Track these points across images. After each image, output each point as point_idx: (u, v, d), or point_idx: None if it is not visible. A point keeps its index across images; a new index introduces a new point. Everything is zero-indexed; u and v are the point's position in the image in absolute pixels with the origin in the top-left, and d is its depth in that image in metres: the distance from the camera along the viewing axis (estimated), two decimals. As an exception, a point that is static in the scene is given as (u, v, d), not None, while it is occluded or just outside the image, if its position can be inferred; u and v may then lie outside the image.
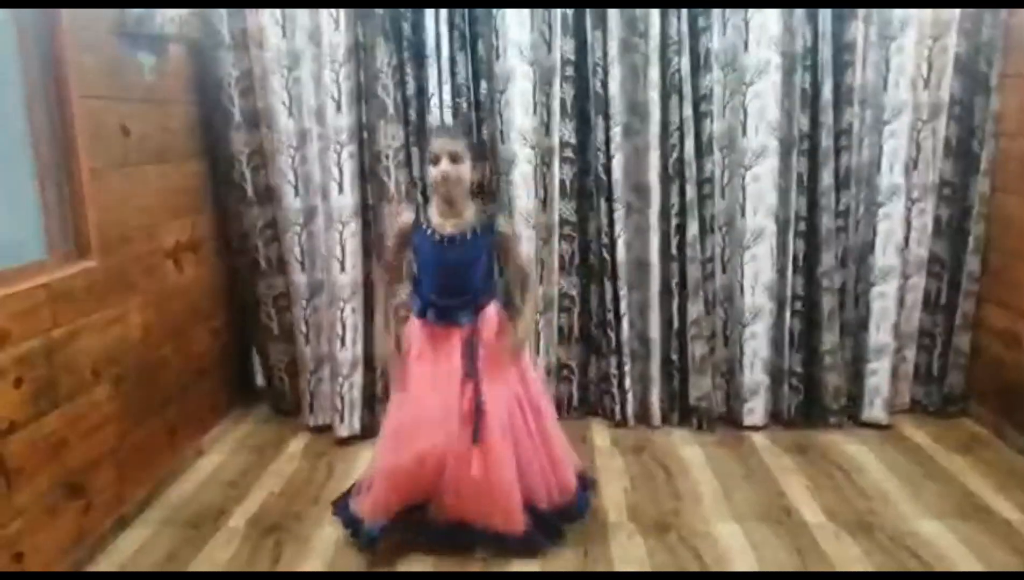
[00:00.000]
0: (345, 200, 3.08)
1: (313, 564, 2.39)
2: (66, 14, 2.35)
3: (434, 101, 3.06)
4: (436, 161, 2.32)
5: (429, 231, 2.39)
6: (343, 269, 3.12)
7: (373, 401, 3.27)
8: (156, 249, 2.87)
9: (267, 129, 3.15)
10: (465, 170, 2.34)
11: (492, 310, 2.48)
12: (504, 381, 2.42)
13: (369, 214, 3.16)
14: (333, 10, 2.95)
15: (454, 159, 2.31)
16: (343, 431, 3.20)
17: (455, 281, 2.40)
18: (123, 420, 2.60)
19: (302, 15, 3.01)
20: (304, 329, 3.32)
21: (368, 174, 3.12)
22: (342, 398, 3.19)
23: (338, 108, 3.01)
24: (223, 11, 3.02)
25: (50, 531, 2.22)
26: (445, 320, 2.40)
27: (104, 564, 2.40)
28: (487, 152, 2.69)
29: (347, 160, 3.05)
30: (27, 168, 2.35)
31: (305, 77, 3.06)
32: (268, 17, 3.04)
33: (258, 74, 3.09)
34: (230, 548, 2.48)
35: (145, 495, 2.73)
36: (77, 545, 2.34)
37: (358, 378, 3.21)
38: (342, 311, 3.15)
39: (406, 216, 2.48)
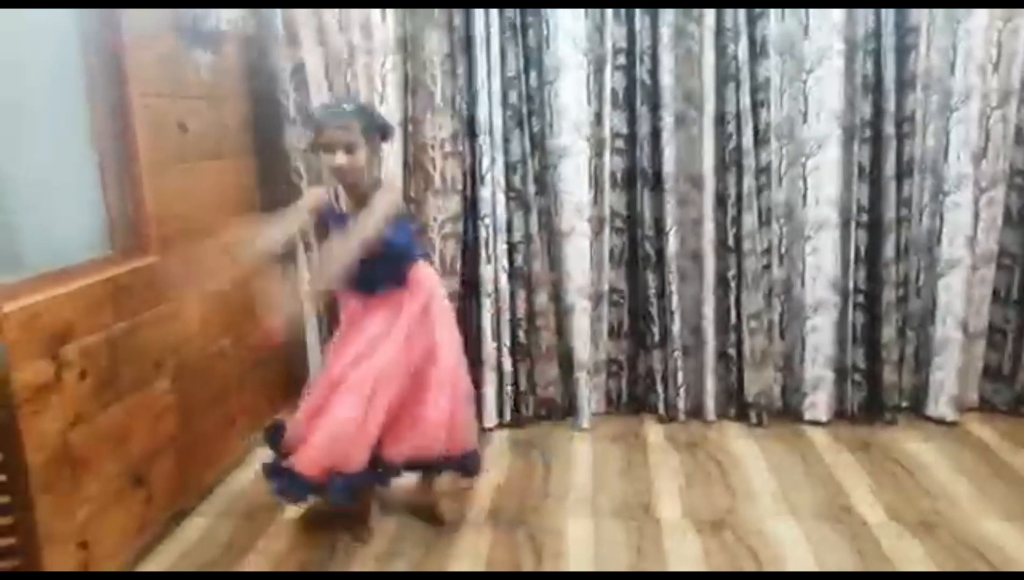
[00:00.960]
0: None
1: (368, 551, 2.42)
2: (125, 13, 2.39)
3: (484, 92, 3.05)
4: (330, 149, 2.19)
5: (340, 213, 2.33)
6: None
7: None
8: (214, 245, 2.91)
9: None
10: (361, 158, 2.21)
11: (417, 274, 2.39)
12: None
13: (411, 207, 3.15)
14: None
15: (348, 149, 2.18)
16: None
17: (369, 264, 2.23)
18: (183, 412, 2.66)
19: (354, 9, 3.01)
20: None
21: (413, 165, 3.11)
22: None
23: (381, 100, 3.02)
24: (278, 8, 3.04)
25: (113, 521, 2.28)
26: (366, 290, 2.35)
27: (164, 554, 2.45)
28: (388, 131, 2.38)
29: (396, 151, 3.06)
30: (91, 165, 2.41)
31: (358, 70, 3.05)
32: (322, 12, 3.05)
33: (311, 68, 3.10)
34: (282, 541, 2.51)
35: (204, 486, 2.79)
36: (139, 534, 2.40)
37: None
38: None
39: (318, 192, 2.39)
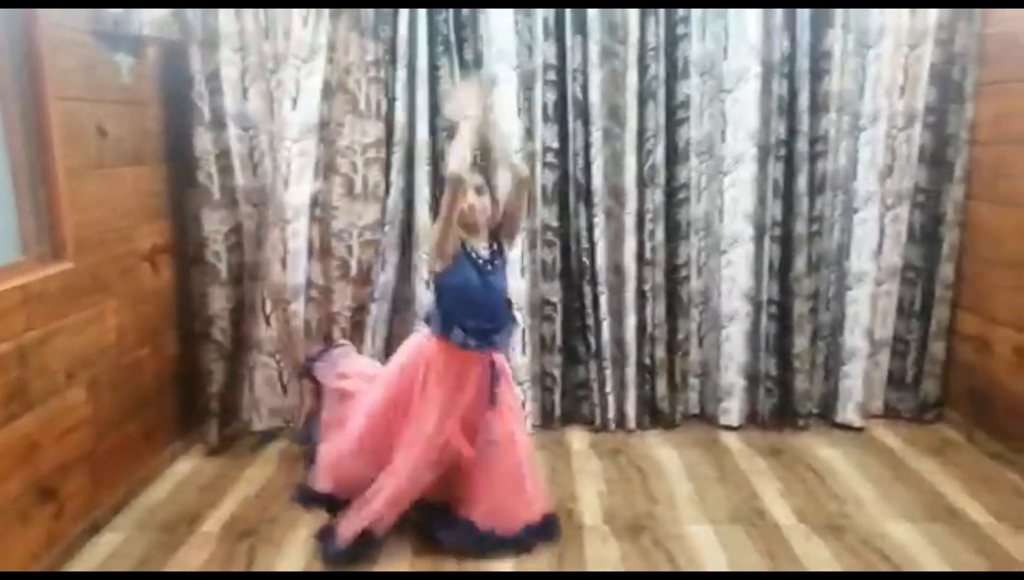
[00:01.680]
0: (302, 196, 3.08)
1: (287, 568, 2.39)
2: (42, 14, 2.33)
3: (407, 100, 3.07)
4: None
5: (473, 253, 2.37)
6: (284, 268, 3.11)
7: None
8: (132, 251, 2.85)
9: (241, 129, 3.06)
10: (487, 201, 2.40)
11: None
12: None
13: (325, 211, 3.13)
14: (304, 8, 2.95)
15: (478, 191, 2.35)
16: None
17: (489, 302, 2.40)
18: (97, 423, 2.59)
19: (277, 13, 2.99)
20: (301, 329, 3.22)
21: (329, 170, 3.10)
22: None
23: (294, 105, 3.01)
24: (199, 10, 2.98)
25: (20, 536, 2.20)
26: (482, 344, 2.37)
27: (74, 569, 2.38)
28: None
29: (303, 156, 3.06)
30: (2, 169, 2.33)
31: (280, 75, 3.03)
32: (244, 16, 3.00)
33: (230, 72, 3.02)
34: (203, 553, 2.47)
35: (119, 500, 2.72)
36: (48, 550, 2.32)
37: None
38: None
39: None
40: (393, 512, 2.40)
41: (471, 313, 2.34)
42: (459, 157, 2.23)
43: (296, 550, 2.48)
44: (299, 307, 3.13)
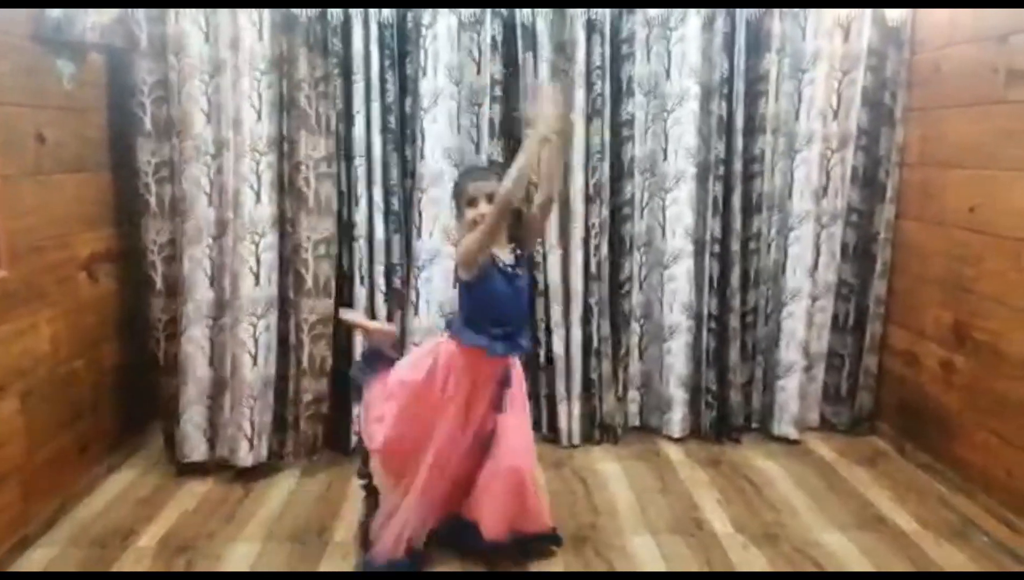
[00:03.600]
0: (263, 211, 3.03)
1: (226, 582, 2.36)
2: (-22, 18, 2.30)
3: (360, 116, 3.08)
4: (474, 203, 2.35)
5: (499, 262, 2.38)
6: (257, 283, 3.03)
7: (284, 425, 3.16)
8: (69, 260, 2.80)
9: (177, 139, 3.01)
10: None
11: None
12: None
13: (287, 226, 3.10)
14: (255, 18, 2.93)
15: (490, 199, 2.32)
16: (248, 460, 3.04)
17: (516, 309, 2.44)
18: (30, 436, 2.53)
19: (225, 23, 2.96)
20: (208, 350, 3.12)
21: (287, 185, 3.08)
22: (252, 423, 3.04)
23: (259, 117, 2.98)
24: (142, 18, 2.94)
25: (-54, 551, 2.14)
26: (505, 349, 2.40)
27: (5, 585, 2.32)
28: None
29: (265, 170, 3.01)
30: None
31: (225, 85, 2.99)
32: (190, 23, 2.97)
33: (174, 81, 2.99)
34: (139, 568, 2.42)
35: (51, 514, 2.65)
36: (-25, 565, 2.26)
37: (269, 400, 3.10)
38: (255, 328, 3.04)
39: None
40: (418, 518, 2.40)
41: (498, 320, 2.37)
42: (519, 178, 2.22)
43: (235, 565, 2.45)
44: (272, 321, 3.08)
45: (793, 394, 3.41)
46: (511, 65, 3.17)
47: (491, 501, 2.40)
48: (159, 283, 3.09)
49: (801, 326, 3.39)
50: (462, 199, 2.40)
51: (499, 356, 2.38)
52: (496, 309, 2.37)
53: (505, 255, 2.40)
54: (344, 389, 3.06)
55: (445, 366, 2.39)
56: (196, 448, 3.10)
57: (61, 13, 2.61)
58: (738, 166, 3.25)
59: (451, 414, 2.38)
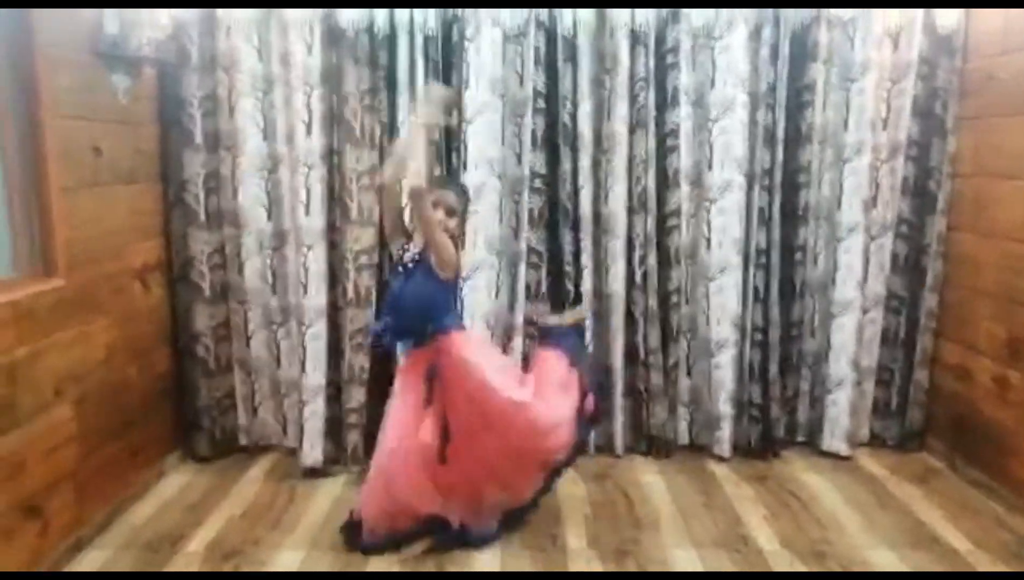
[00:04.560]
0: (313, 220, 3.12)
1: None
2: (41, 33, 2.37)
3: (404, 128, 3.10)
4: (435, 207, 2.49)
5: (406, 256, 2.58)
6: (306, 293, 3.13)
7: (340, 428, 3.25)
8: (124, 269, 2.87)
9: (227, 152, 3.16)
10: (453, 224, 2.56)
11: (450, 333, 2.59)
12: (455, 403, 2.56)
13: (336, 235, 3.17)
14: (307, 35, 3.00)
15: (449, 213, 2.54)
16: (307, 460, 3.17)
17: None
18: (84, 441, 2.59)
19: (276, 39, 3.04)
20: (276, 353, 3.32)
21: (336, 197, 3.14)
22: (302, 427, 3.17)
23: (308, 131, 3.05)
24: (195, 34, 3.04)
25: (4, 553, 2.20)
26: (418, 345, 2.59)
27: (59, 586, 2.38)
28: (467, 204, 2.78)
29: (315, 183, 3.10)
30: (-3, 186, 2.36)
31: (277, 100, 3.09)
32: (243, 40, 3.07)
33: (223, 96, 3.11)
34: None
35: (104, 518, 2.71)
36: (32, 568, 2.32)
37: (320, 405, 3.18)
38: (304, 336, 3.15)
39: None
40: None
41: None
42: (394, 161, 2.54)
43: (281, 570, 2.47)
44: (321, 329, 3.17)
45: (844, 409, 3.34)
46: (553, 77, 3.18)
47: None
48: (207, 291, 3.21)
49: (851, 339, 3.32)
50: (432, 196, 2.49)
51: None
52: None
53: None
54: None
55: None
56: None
57: (118, 30, 2.69)
58: (783, 176, 3.22)
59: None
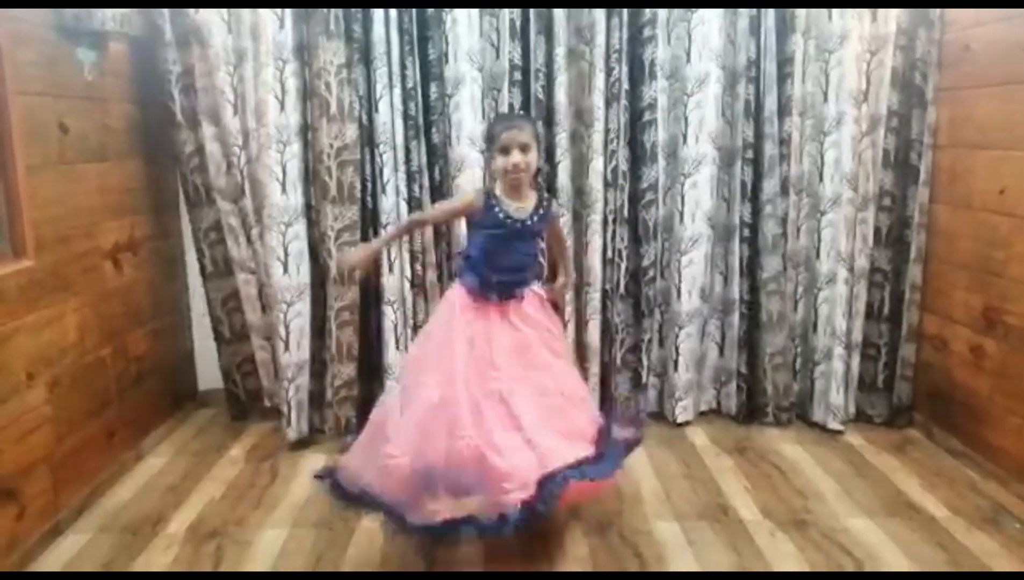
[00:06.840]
0: (289, 199, 3.08)
1: (255, 569, 2.37)
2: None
3: (384, 102, 3.06)
4: (506, 151, 2.40)
5: (501, 214, 2.46)
6: (286, 271, 3.10)
7: (321, 402, 3.26)
8: (94, 249, 2.81)
9: (206, 128, 3.11)
10: (533, 158, 2.45)
11: (536, 288, 2.60)
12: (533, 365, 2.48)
13: (312, 214, 3.14)
14: (277, 8, 2.94)
15: (524, 149, 2.40)
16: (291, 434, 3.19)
17: (517, 260, 2.51)
18: (59, 424, 2.55)
19: (247, 12, 2.97)
20: (283, 332, 3.17)
21: (312, 174, 3.10)
22: (288, 402, 3.17)
23: (282, 107, 3.00)
24: (166, 9, 2.97)
25: (-21, 537, 2.17)
26: (503, 296, 2.49)
27: (37, 571, 2.35)
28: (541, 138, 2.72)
29: (291, 159, 3.05)
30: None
31: (245, 74, 3.01)
32: (213, 15, 2.99)
33: (204, 71, 3.04)
34: (169, 554, 2.44)
35: (81, 501, 2.68)
36: (9, 552, 2.29)
37: (304, 381, 3.20)
38: (285, 314, 3.12)
39: (475, 194, 2.53)
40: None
41: (493, 268, 2.48)
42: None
43: (263, 551, 2.46)
44: (304, 306, 3.16)
45: (828, 382, 3.34)
46: (529, 49, 3.14)
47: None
48: (209, 266, 3.29)
49: (837, 312, 3.31)
50: (495, 145, 2.44)
51: (489, 301, 2.47)
52: (494, 257, 2.47)
53: (516, 209, 2.47)
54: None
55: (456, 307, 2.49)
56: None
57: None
58: (763, 150, 3.20)
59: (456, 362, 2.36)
